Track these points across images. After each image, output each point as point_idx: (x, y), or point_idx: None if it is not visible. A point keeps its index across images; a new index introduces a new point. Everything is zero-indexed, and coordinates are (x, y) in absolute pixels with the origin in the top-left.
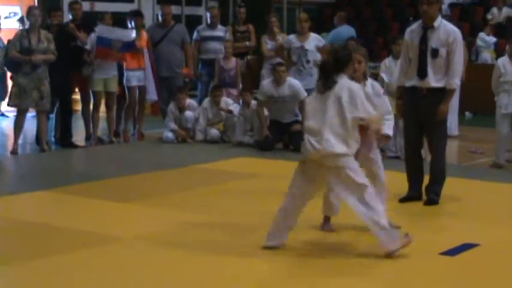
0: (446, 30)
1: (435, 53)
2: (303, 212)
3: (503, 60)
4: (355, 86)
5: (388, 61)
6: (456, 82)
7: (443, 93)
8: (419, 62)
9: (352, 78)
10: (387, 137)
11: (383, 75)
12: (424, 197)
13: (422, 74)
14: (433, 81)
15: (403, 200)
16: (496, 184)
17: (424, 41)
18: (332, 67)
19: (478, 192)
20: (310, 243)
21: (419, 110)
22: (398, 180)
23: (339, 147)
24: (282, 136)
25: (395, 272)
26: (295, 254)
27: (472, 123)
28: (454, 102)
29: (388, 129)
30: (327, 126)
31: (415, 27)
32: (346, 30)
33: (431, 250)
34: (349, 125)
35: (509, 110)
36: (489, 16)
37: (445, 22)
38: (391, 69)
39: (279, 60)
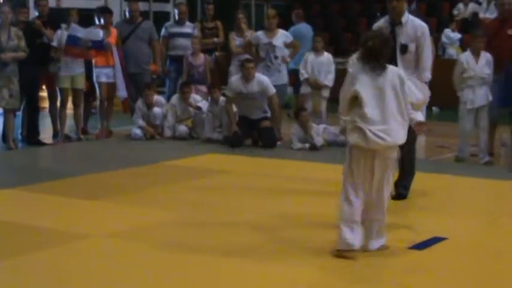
0: (414, 25)
1: (404, 48)
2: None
3: (466, 56)
4: (402, 71)
5: (356, 57)
6: (427, 76)
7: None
8: (389, 58)
9: None
10: (422, 123)
11: (351, 70)
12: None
13: None
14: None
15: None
16: (463, 178)
17: (392, 37)
18: (382, 51)
19: (446, 186)
20: (282, 240)
21: None
22: None
23: (402, 137)
24: (251, 132)
25: (365, 266)
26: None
27: (439, 118)
28: None
29: (421, 116)
30: (390, 115)
31: (381, 23)
32: (304, 28)
33: (401, 244)
34: (405, 112)
35: (474, 106)
36: (455, 12)
37: (412, 17)
38: None
39: (247, 56)
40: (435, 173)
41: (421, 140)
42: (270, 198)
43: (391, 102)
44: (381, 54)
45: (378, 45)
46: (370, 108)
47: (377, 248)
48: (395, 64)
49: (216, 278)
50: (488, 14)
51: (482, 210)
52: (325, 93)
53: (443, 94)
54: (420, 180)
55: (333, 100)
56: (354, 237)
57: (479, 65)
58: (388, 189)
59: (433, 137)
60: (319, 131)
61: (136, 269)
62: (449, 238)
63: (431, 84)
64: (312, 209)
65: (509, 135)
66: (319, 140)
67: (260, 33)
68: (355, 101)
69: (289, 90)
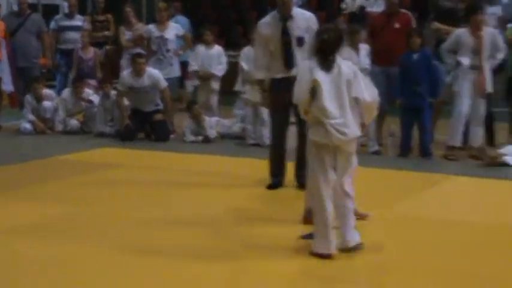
0: (304, 17)
1: (301, 40)
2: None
3: (348, 52)
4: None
5: (247, 50)
6: None
7: None
8: (285, 53)
9: None
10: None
11: (242, 63)
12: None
13: (290, 64)
14: None
15: (271, 187)
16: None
17: (286, 31)
18: (337, 45)
19: None
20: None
21: (291, 99)
22: (259, 166)
23: (358, 130)
24: (144, 126)
25: (259, 255)
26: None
27: None
28: None
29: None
30: (346, 108)
31: (269, 20)
32: (182, 21)
33: (294, 234)
34: (358, 105)
35: None
36: (343, 5)
37: (299, 10)
38: (251, 58)
39: (138, 50)
40: None
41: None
42: (168, 191)
43: (346, 96)
44: (336, 48)
45: (333, 38)
46: (328, 102)
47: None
48: (293, 58)
49: (105, 271)
50: (376, 7)
51: (374, 198)
52: (215, 85)
53: None
54: None
55: (224, 93)
56: (330, 243)
57: (360, 57)
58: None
59: None
60: (212, 124)
61: (31, 265)
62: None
63: None
64: (217, 201)
65: (397, 126)
66: (212, 133)
67: (151, 27)
68: (314, 94)
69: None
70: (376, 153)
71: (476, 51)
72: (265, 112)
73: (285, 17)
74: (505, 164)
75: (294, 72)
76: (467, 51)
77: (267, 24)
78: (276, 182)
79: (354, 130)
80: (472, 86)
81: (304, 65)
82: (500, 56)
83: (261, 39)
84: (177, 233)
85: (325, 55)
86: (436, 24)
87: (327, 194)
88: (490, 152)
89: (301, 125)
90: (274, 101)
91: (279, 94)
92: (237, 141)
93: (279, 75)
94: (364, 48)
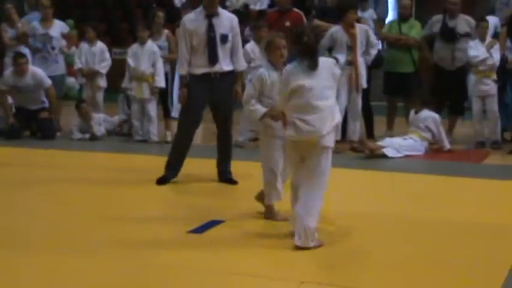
0: (228, 16)
1: (225, 38)
2: None
3: (251, 45)
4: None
5: (135, 47)
6: (244, 64)
7: (232, 76)
8: (209, 49)
9: (276, 63)
10: None
11: (129, 60)
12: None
13: (213, 60)
14: (225, 65)
15: (163, 180)
16: (241, 162)
17: (211, 28)
18: (316, 45)
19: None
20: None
21: (213, 94)
22: (148, 163)
23: (329, 128)
24: (29, 124)
25: (147, 249)
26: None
27: None
28: None
29: None
30: (322, 105)
31: (194, 16)
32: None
33: (180, 228)
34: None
35: None
36: (228, 3)
37: (222, 9)
38: (138, 55)
39: (21, 48)
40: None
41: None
42: (64, 188)
43: (325, 92)
44: (316, 49)
45: (313, 40)
46: (304, 99)
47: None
48: (216, 54)
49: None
50: (259, 5)
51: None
52: (102, 82)
53: None
54: (197, 165)
55: (109, 90)
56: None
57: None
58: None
59: (211, 123)
60: (100, 121)
61: None
62: (225, 221)
63: None
64: (112, 197)
65: None
66: (100, 130)
67: (36, 24)
68: (294, 93)
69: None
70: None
71: (351, 48)
72: (152, 109)
73: (211, 15)
74: (384, 156)
75: (216, 68)
76: (342, 48)
77: (192, 21)
78: (170, 175)
79: (324, 127)
80: (348, 82)
81: (288, 70)
82: (374, 51)
83: (185, 34)
84: (80, 228)
85: (309, 56)
86: (316, 22)
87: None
88: (370, 144)
89: (227, 121)
90: (196, 96)
91: (197, 91)
92: (123, 138)
93: (201, 71)
94: None
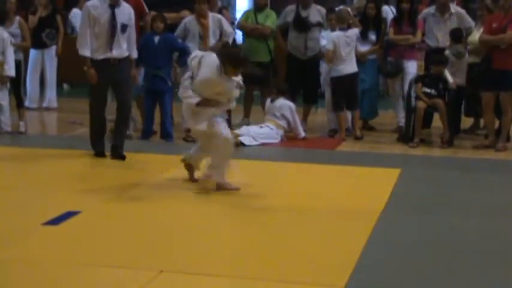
0: (127, 6)
1: (125, 28)
2: None
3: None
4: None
5: None
6: (136, 52)
7: (128, 61)
8: (111, 37)
9: None
10: None
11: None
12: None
13: (113, 47)
14: (122, 52)
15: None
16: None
17: (113, 17)
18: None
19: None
20: None
21: (113, 78)
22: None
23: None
24: None
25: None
26: None
27: (70, 95)
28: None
29: None
30: None
31: (98, 4)
32: None
33: (35, 221)
34: None
35: None
36: None
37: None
38: None
39: None
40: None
41: (52, 118)
42: None
43: None
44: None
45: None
46: None
47: None
48: (118, 41)
49: None
50: None
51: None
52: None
53: (73, 71)
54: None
55: None
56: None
57: None
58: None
59: (65, 113)
60: None
61: None
62: (82, 211)
63: (64, 63)
64: None
65: (137, 110)
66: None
67: None
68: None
69: None
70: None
71: (203, 37)
72: (3, 98)
73: (113, 5)
74: (241, 144)
75: (115, 54)
76: (194, 38)
77: (95, 7)
78: (102, 150)
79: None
80: None
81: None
82: (230, 39)
83: (89, 20)
84: None
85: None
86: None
87: None
88: None
89: (126, 102)
90: (99, 79)
91: (99, 74)
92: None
93: (101, 56)
94: None
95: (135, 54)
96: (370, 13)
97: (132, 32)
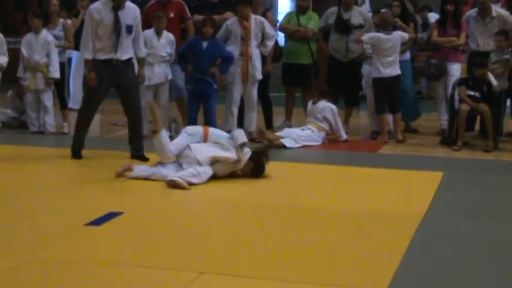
0: (132, 7)
1: (130, 29)
2: None
3: (148, 35)
4: None
5: (29, 36)
6: (144, 50)
7: (132, 62)
8: (115, 38)
9: None
10: None
11: (23, 50)
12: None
13: (118, 49)
14: (127, 53)
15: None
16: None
17: (117, 19)
18: None
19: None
20: None
21: (116, 79)
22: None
23: None
24: None
25: (39, 243)
26: None
27: (112, 96)
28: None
29: None
30: None
31: (101, 7)
32: None
33: (77, 221)
34: None
35: (151, 82)
36: None
37: (127, 1)
38: (32, 44)
39: None
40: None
41: (94, 119)
42: None
43: None
44: None
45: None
46: None
47: None
48: (121, 43)
49: None
50: None
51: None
52: None
53: None
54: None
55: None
56: None
57: (160, 43)
58: None
59: (107, 115)
60: None
61: None
62: (124, 213)
63: None
64: None
65: (178, 112)
66: None
67: None
68: None
69: None
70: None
71: (244, 39)
72: (47, 99)
73: (117, 7)
74: (283, 146)
75: (118, 55)
76: (236, 40)
77: (98, 11)
78: (78, 151)
79: None
80: (242, 73)
81: None
82: (270, 43)
83: (93, 23)
84: None
85: None
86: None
87: None
88: (269, 135)
89: (136, 102)
90: (100, 81)
91: (102, 75)
92: (18, 130)
93: (105, 57)
94: (167, 36)
95: (142, 54)
96: (395, 11)
97: (138, 31)
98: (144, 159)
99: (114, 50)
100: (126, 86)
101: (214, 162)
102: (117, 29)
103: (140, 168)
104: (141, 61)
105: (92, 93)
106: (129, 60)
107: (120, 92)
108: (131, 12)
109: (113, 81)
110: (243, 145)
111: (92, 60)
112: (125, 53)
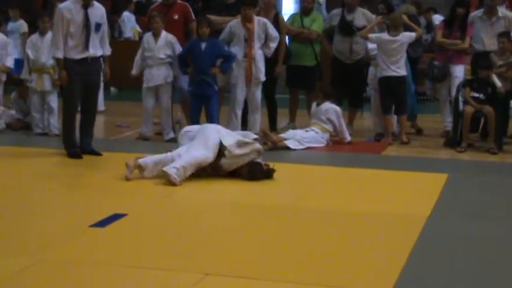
0: (99, 6)
1: (99, 27)
2: None
3: (147, 37)
4: None
5: (35, 38)
6: (109, 49)
7: (101, 59)
8: (86, 36)
9: None
10: None
11: (29, 52)
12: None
13: (89, 46)
14: (97, 51)
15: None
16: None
17: (87, 18)
18: None
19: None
20: None
21: (88, 76)
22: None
23: None
24: None
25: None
26: None
27: (117, 98)
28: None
29: None
30: None
31: (71, 6)
32: None
33: (82, 223)
34: None
35: (151, 84)
36: None
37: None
38: (37, 46)
39: None
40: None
41: (99, 121)
42: None
43: None
44: None
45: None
46: None
47: None
48: (92, 42)
49: None
50: None
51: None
52: (2, 76)
53: (121, 74)
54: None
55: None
56: None
57: (158, 45)
58: None
59: (112, 116)
60: (0, 114)
61: None
62: (128, 214)
63: (111, 66)
64: None
65: (182, 114)
66: (0, 124)
67: None
68: None
69: None
70: (171, 140)
71: (248, 41)
72: (53, 100)
73: (87, 5)
74: (287, 148)
75: (90, 53)
76: (239, 41)
77: (69, 10)
78: (75, 151)
79: None
80: (245, 74)
81: None
82: (274, 44)
83: (63, 22)
84: None
85: None
86: (212, 17)
87: None
88: (273, 136)
89: (95, 99)
90: (74, 79)
91: (75, 73)
92: (22, 132)
93: (78, 56)
94: (165, 37)
95: (108, 52)
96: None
97: (105, 30)
98: (97, 154)
99: (86, 47)
100: (93, 85)
101: (240, 145)
102: (87, 26)
103: (150, 160)
104: (107, 59)
105: (67, 92)
106: (99, 58)
107: (87, 89)
108: (99, 11)
109: (84, 78)
110: (255, 139)
111: (64, 59)
112: (96, 50)
